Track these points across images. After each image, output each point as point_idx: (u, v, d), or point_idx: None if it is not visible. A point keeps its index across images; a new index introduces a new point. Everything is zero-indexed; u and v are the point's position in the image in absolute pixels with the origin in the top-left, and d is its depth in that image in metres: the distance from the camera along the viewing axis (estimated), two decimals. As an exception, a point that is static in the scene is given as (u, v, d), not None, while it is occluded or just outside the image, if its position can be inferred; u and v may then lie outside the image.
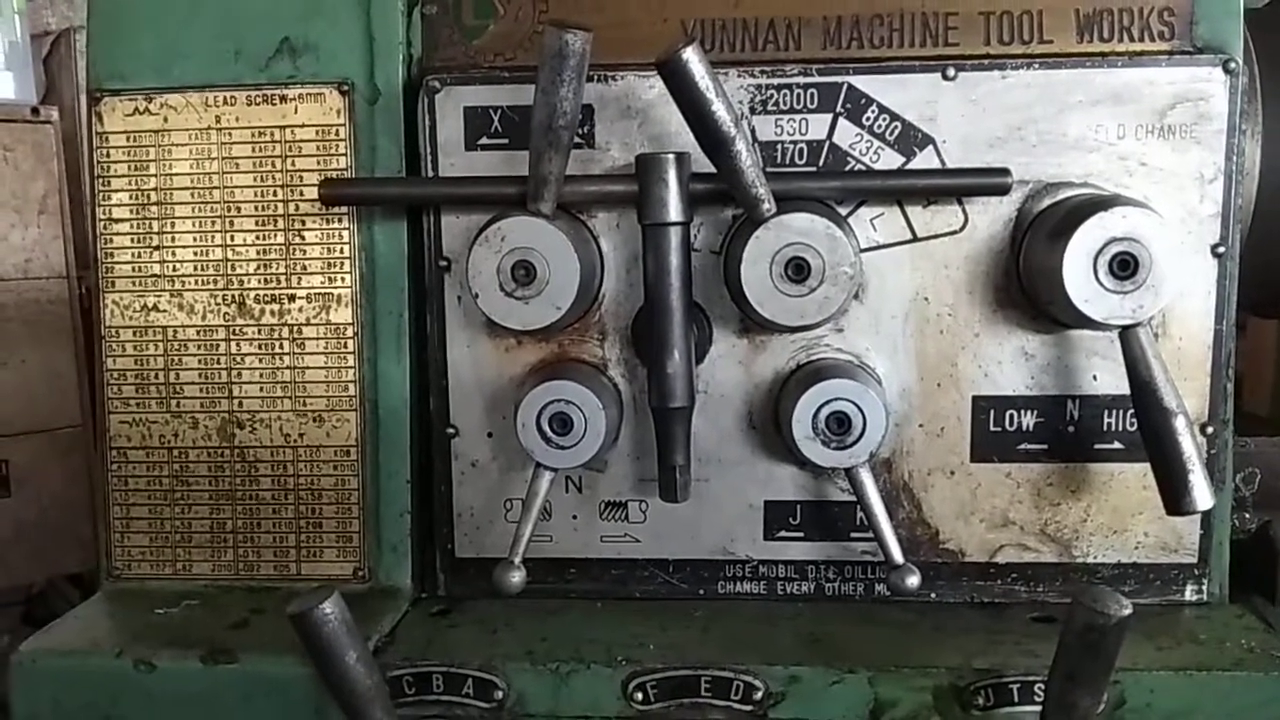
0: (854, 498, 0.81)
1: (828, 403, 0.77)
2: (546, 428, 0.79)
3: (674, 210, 0.78)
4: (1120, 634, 0.63)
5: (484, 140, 0.84)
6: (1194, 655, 0.76)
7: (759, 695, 0.75)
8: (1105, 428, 0.83)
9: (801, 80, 0.81)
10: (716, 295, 0.83)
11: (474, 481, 0.88)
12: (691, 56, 0.70)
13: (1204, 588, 0.84)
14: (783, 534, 0.86)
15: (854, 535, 0.86)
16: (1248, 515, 0.95)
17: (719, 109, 0.72)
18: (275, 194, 0.87)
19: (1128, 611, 0.62)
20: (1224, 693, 0.73)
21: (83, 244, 2.34)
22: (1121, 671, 0.72)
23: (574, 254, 0.76)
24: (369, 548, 0.88)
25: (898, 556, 0.78)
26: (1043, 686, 0.71)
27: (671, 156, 0.77)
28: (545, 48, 0.72)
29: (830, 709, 0.75)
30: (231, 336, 0.88)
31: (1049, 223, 0.77)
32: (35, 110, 2.32)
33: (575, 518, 0.87)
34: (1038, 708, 0.71)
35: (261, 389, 0.88)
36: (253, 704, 0.78)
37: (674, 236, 0.78)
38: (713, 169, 0.75)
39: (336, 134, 0.86)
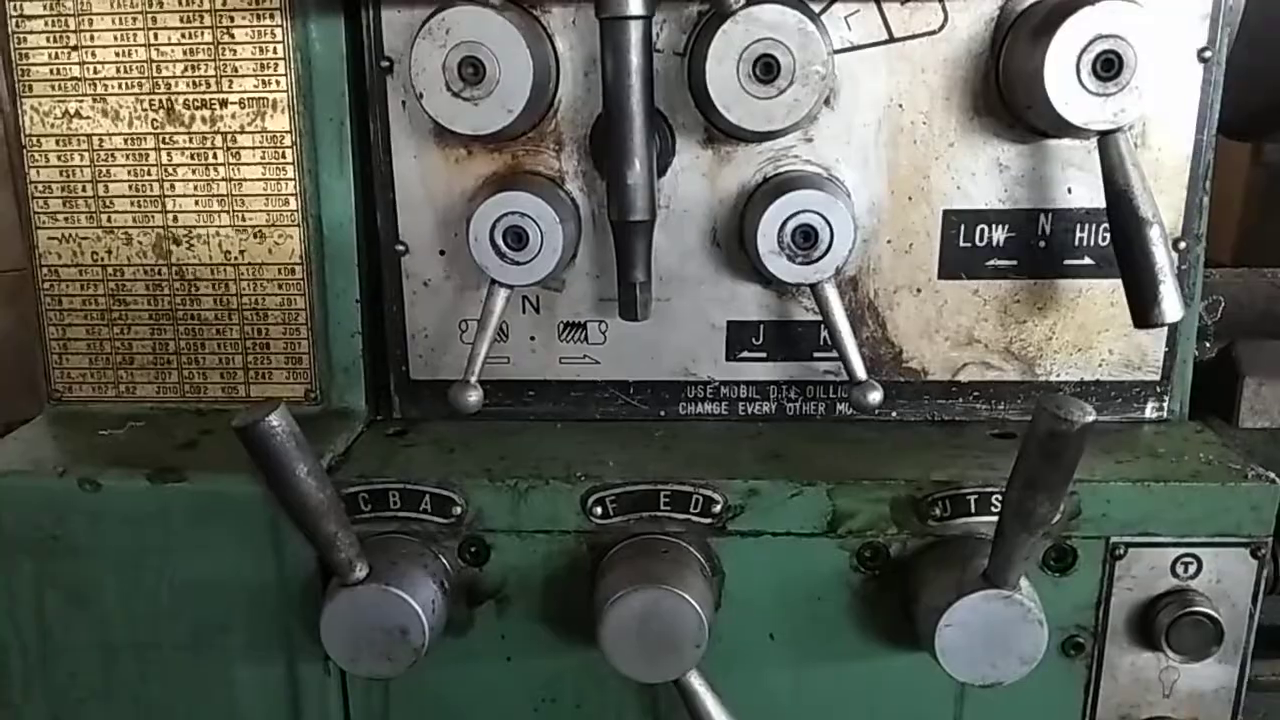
0: (818, 317, 0.79)
1: (794, 215, 0.74)
2: (501, 242, 0.76)
3: (635, 2, 0.72)
4: (1082, 441, 0.62)
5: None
6: (1151, 467, 0.76)
7: (718, 508, 0.75)
8: (1077, 242, 0.80)
9: None
10: (680, 101, 0.78)
11: (426, 301, 0.84)
12: None
13: (1165, 405, 0.84)
14: (744, 354, 0.85)
15: (816, 355, 0.84)
16: (1208, 344, 0.94)
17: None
18: (201, -13, 0.80)
19: (1091, 418, 0.62)
20: (1179, 502, 0.74)
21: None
22: (1079, 483, 0.72)
23: (526, 50, 0.71)
24: (320, 369, 0.85)
25: (861, 373, 0.77)
26: (1000, 498, 0.71)
27: (632, -58, 0.71)
28: None
29: (789, 521, 0.75)
30: (161, 145, 0.82)
31: (1032, 20, 0.72)
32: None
33: (533, 339, 0.85)
34: (994, 519, 0.72)
35: (197, 203, 0.83)
36: (204, 523, 0.77)
37: (634, 32, 0.72)
38: (676, -43, 0.70)
39: (264, -79, 0.79)
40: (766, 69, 0.71)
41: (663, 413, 0.86)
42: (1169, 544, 0.75)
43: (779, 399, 0.86)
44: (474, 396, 0.77)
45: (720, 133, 0.79)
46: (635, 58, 0.73)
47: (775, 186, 0.77)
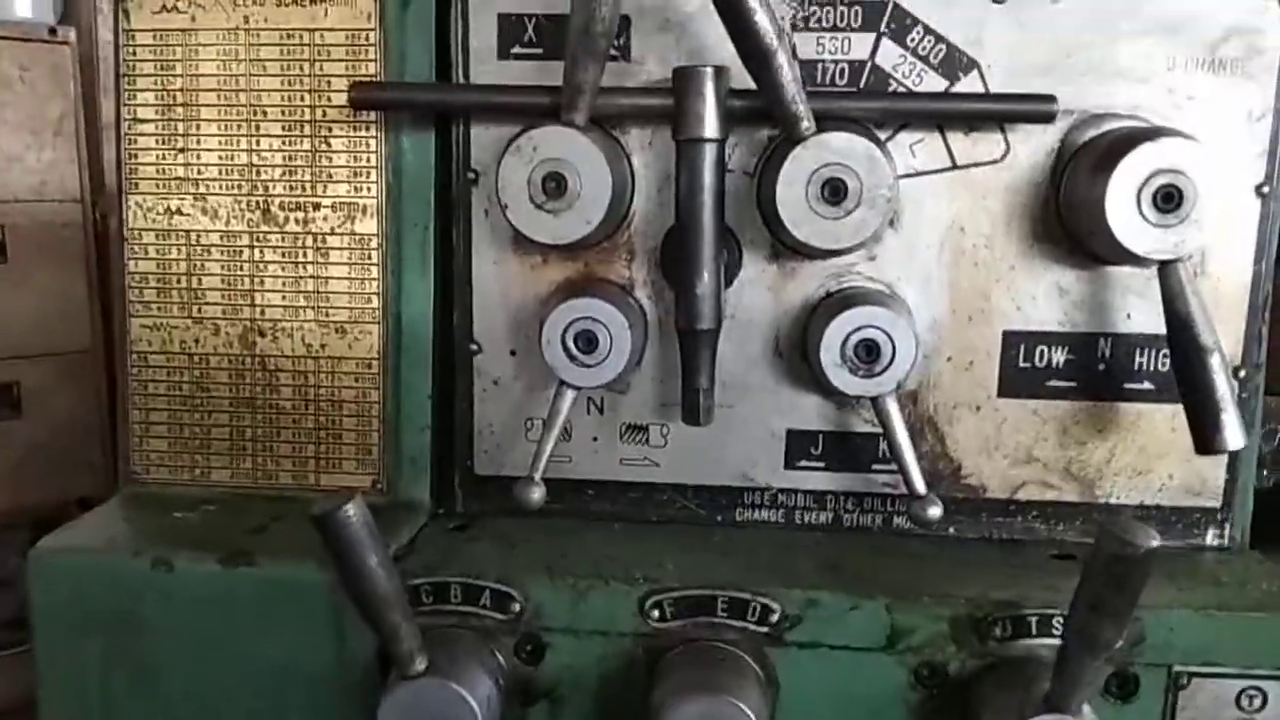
0: (877, 428, 0.80)
1: (857, 330, 0.76)
2: (571, 345, 0.79)
3: (710, 126, 0.76)
4: (1146, 567, 0.63)
5: (517, 49, 0.82)
6: (1215, 596, 0.75)
7: (775, 618, 0.75)
8: (1137, 367, 0.81)
9: (845, -2, 0.79)
10: (748, 218, 0.82)
11: (495, 399, 0.87)
12: (737, -37, 0.68)
13: (1225, 533, 0.84)
14: (803, 463, 0.86)
15: (875, 467, 0.85)
16: (1265, 473, 0.94)
17: (762, 21, 0.70)
18: (303, 99, 0.85)
19: (1155, 543, 0.62)
20: (1243, 633, 0.73)
21: (97, 168, 2.32)
22: (1141, 609, 0.71)
23: (606, 167, 0.75)
24: (388, 461, 0.88)
25: (920, 487, 0.78)
26: (1062, 620, 0.71)
27: (710, 70, 0.76)
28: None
29: (846, 634, 0.75)
30: (255, 243, 0.87)
31: (1093, 153, 0.75)
32: (53, 30, 2.29)
33: (596, 439, 0.87)
34: (1056, 641, 0.71)
35: (284, 297, 0.87)
36: (271, 607, 0.78)
37: (709, 153, 0.76)
38: (752, 86, 0.74)
39: (366, 39, 0.84)
40: (834, 191, 0.74)
41: (720, 518, 0.87)
42: (1233, 675, 0.74)
43: (836, 509, 0.87)
44: (537, 494, 0.79)
45: (786, 248, 0.82)
46: (708, 177, 0.77)
47: (839, 301, 0.79)
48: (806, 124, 0.74)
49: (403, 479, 0.88)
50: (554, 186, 0.75)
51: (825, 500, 0.87)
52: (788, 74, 0.72)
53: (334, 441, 0.88)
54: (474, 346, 0.87)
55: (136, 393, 0.90)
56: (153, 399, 0.90)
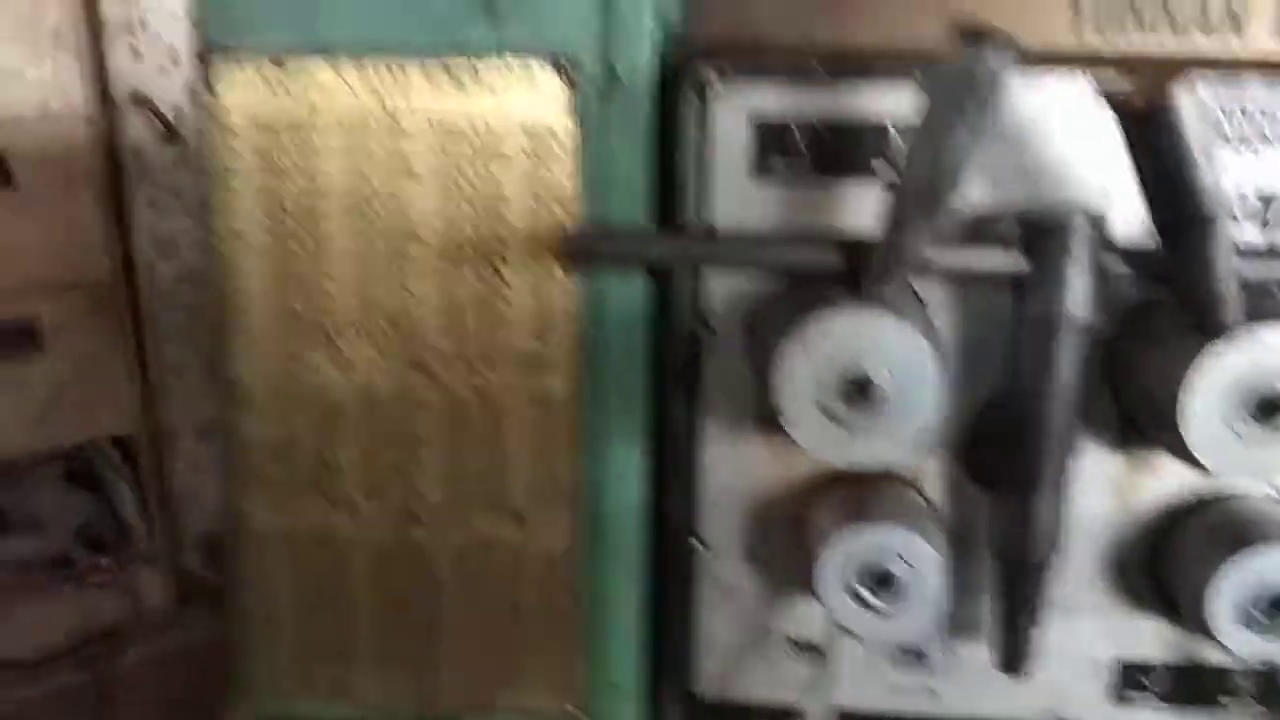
0: (1230, 662, 0.60)
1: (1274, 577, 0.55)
2: (858, 584, 0.58)
3: (1078, 301, 0.53)
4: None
5: (775, 164, 0.58)
6: None
7: None
8: None
9: (1264, 96, 0.55)
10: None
11: (725, 609, 0.67)
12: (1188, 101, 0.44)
13: None
14: (1132, 696, 0.66)
15: (1221, 699, 0.65)
16: None
17: (1203, 174, 0.47)
18: (466, 218, 0.63)
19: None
20: None
21: (103, 79, 2.06)
22: None
23: (934, 365, 0.53)
24: (586, 683, 0.68)
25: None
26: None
27: (1082, 218, 0.52)
28: (943, 72, 0.46)
29: None
30: (407, 405, 0.66)
31: None
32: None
33: (860, 659, 0.67)
34: None
35: (446, 475, 0.66)
36: None
37: (1071, 338, 0.54)
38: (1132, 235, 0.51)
39: (554, 135, 0.61)
40: (1269, 411, 0.51)
41: (1011, 756, 0.68)
42: None
43: (1167, 751, 0.67)
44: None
45: (1138, 433, 0.60)
46: (1066, 370, 0.54)
47: (1230, 525, 0.58)
48: (1233, 314, 0.51)
49: (604, 705, 0.69)
50: (857, 392, 0.53)
51: (1154, 741, 0.67)
52: (1224, 248, 0.49)
53: (514, 657, 0.69)
54: (698, 543, 0.66)
55: (252, 588, 0.70)
56: (274, 597, 0.70)
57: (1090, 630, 0.64)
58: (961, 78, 0.45)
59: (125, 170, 2.18)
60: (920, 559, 0.57)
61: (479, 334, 0.64)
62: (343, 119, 0.62)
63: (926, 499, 0.62)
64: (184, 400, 2.29)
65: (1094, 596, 0.63)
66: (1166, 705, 0.66)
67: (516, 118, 0.61)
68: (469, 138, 0.61)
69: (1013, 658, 0.60)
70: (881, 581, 0.57)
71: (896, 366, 0.52)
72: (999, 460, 0.58)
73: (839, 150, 0.56)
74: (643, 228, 0.59)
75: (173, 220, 2.21)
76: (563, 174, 0.61)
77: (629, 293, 0.62)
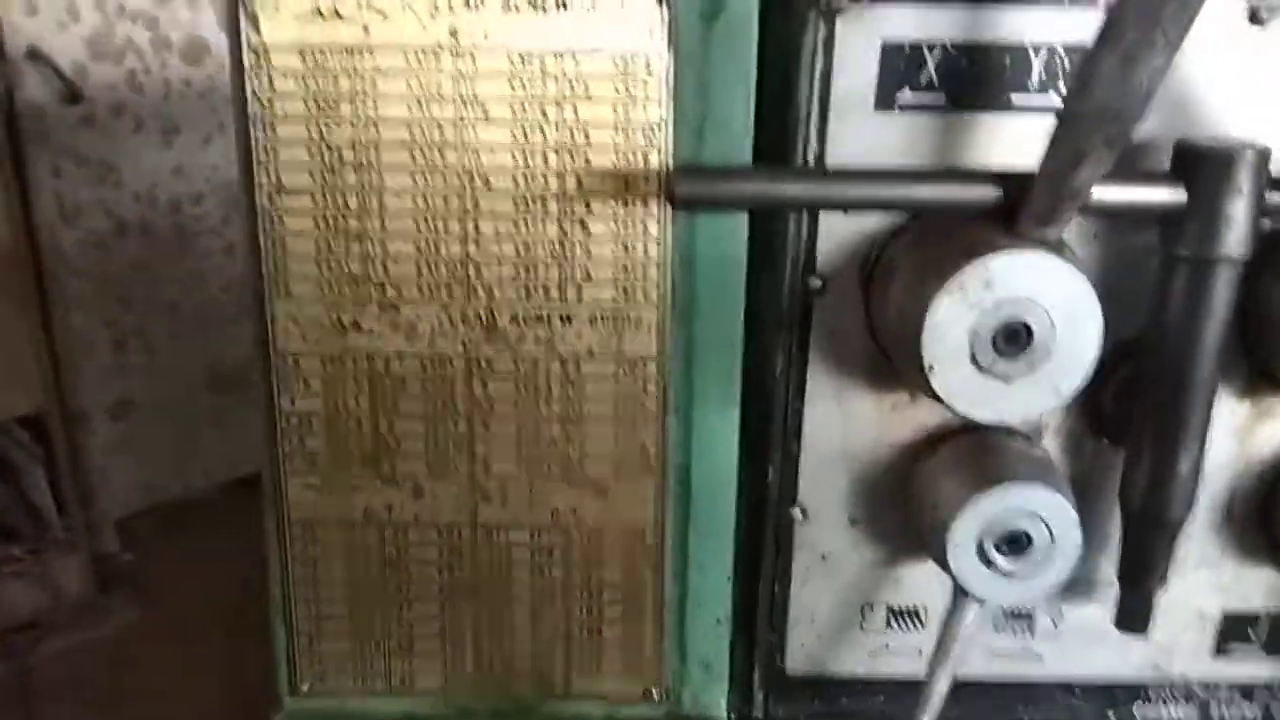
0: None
1: None
2: (992, 549, 0.54)
3: (1236, 240, 0.50)
4: None
5: (908, 95, 0.53)
6: None
7: None
8: None
9: None
10: (1210, 337, 0.57)
11: (822, 579, 0.63)
12: None
13: None
14: (1234, 648, 0.64)
15: (1321, 647, 0.64)
16: None
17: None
18: (544, 159, 0.56)
19: None
20: None
21: None
22: None
23: (1098, 313, 0.49)
24: (670, 664, 0.64)
25: None
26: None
27: (1251, 153, 0.49)
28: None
29: None
30: (475, 371, 0.59)
31: None
32: None
33: (956, 625, 0.63)
34: None
35: (518, 447, 0.60)
36: None
37: (1225, 278, 0.50)
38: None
39: (647, 68, 0.55)
40: None
41: (1112, 715, 0.66)
42: None
43: (1264, 702, 0.66)
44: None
45: (1266, 380, 0.57)
46: (1222, 313, 0.51)
47: (1361, 471, 0.56)
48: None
49: (690, 685, 0.64)
50: (1016, 342, 0.49)
51: (1252, 693, 0.65)
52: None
53: (590, 637, 0.64)
54: (798, 511, 0.61)
55: (301, 579, 0.63)
56: (326, 585, 0.63)
57: (1199, 583, 0.62)
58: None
59: (23, 133, 2.00)
60: (1059, 519, 0.54)
61: (556, 289, 0.58)
62: (405, 47, 0.55)
63: (1043, 449, 0.59)
64: (94, 377, 2.14)
65: (1205, 549, 0.61)
66: (1270, 656, 0.64)
67: (604, 45, 0.54)
68: (549, 68, 0.55)
69: (1135, 617, 0.57)
70: (1013, 543, 0.54)
71: (1059, 313, 0.49)
72: (1135, 412, 0.54)
73: (977, 80, 0.52)
74: (769, 167, 0.54)
75: (77, 186, 2.04)
76: (655, 109, 0.55)
77: (725, 240, 0.57)
